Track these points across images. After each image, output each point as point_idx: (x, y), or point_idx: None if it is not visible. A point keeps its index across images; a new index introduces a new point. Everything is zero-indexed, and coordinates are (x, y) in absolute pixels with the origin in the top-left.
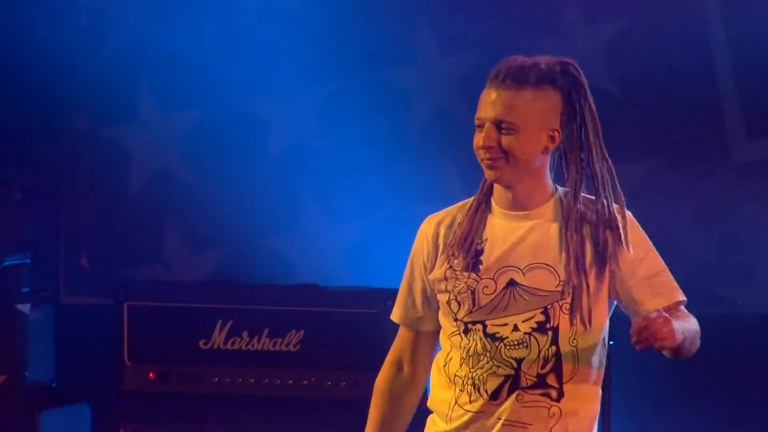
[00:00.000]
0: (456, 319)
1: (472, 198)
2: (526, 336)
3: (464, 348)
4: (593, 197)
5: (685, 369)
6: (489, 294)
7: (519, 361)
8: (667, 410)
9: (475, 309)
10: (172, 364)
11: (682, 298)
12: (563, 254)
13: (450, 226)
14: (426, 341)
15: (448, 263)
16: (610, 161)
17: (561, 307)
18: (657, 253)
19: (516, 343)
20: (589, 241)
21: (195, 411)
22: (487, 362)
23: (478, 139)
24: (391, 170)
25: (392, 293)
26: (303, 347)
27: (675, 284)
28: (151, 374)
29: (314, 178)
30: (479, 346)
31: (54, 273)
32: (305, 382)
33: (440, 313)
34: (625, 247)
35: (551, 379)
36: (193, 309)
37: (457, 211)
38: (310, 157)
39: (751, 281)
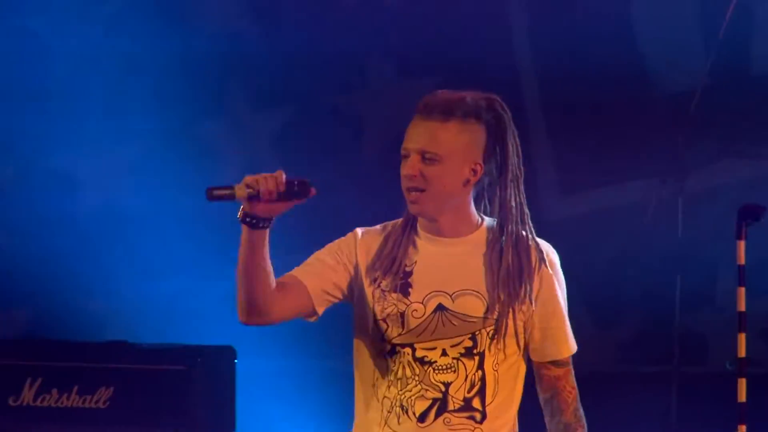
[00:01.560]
0: (383, 340)
1: (398, 220)
2: (455, 360)
3: (391, 371)
4: (522, 231)
5: None
6: (418, 318)
7: (447, 385)
8: None
9: (404, 332)
10: None
11: (571, 352)
12: (490, 282)
13: (380, 244)
14: (305, 304)
15: (376, 284)
16: (524, 197)
17: (488, 334)
18: (564, 301)
19: (444, 367)
20: (512, 271)
21: None
22: (416, 385)
23: (404, 168)
24: (200, 230)
25: (201, 350)
26: (112, 404)
27: (568, 337)
28: None
29: (123, 237)
30: (407, 370)
31: None
32: None
33: (362, 333)
34: (535, 286)
35: (476, 402)
36: (1, 366)
37: (386, 231)
38: (119, 215)
39: None
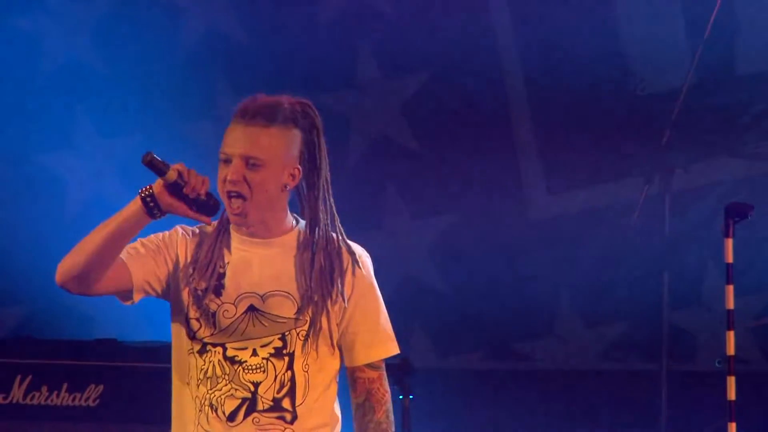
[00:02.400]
0: (194, 338)
1: (214, 222)
2: (264, 361)
3: (200, 369)
4: (332, 233)
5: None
6: (229, 318)
7: (256, 384)
8: None
9: (216, 331)
10: None
11: (383, 356)
12: (300, 283)
13: (197, 245)
14: (124, 287)
15: (191, 285)
16: (333, 200)
17: (298, 334)
18: (381, 302)
19: (254, 367)
20: (324, 272)
21: None
22: (225, 385)
23: (225, 172)
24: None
25: None
26: (102, 402)
27: (381, 340)
28: None
29: None
30: (218, 369)
31: None
32: None
33: (177, 331)
34: (347, 288)
35: (286, 403)
36: None
37: (202, 233)
38: (108, 213)
39: (548, 335)
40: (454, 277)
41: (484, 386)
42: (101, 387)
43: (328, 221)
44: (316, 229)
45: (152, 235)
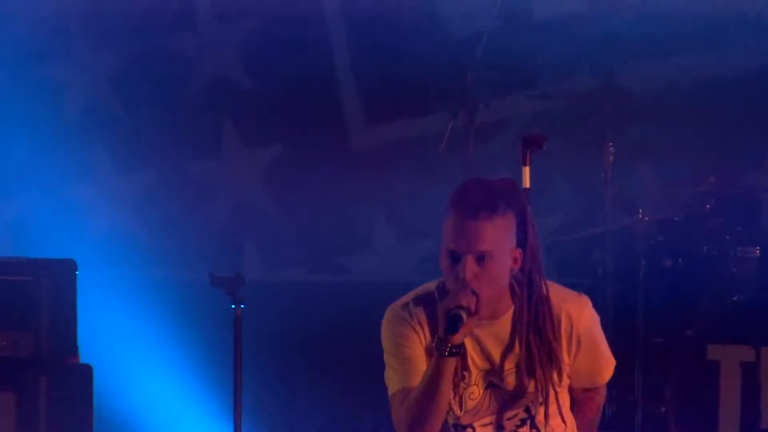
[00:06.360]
0: (445, 423)
1: (429, 291)
2: None
3: None
4: (547, 300)
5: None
6: (474, 399)
7: None
8: (297, 388)
9: (462, 413)
10: None
11: (605, 381)
12: (531, 357)
13: (428, 319)
14: None
15: None
16: (543, 266)
17: (541, 403)
18: (603, 342)
19: None
20: (550, 341)
21: None
22: None
23: (456, 270)
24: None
25: (47, 263)
26: None
27: (608, 363)
28: None
29: None
30: None
31: None
32: None
33: None
34: (572, 349)
35: None
36: None
37: (426, 304)
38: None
39: (364, 251)
40: (285, 202)
41: (309, 298)
42: None
43: (541, 290)
44: (531, 301)
45: (394, 344)
